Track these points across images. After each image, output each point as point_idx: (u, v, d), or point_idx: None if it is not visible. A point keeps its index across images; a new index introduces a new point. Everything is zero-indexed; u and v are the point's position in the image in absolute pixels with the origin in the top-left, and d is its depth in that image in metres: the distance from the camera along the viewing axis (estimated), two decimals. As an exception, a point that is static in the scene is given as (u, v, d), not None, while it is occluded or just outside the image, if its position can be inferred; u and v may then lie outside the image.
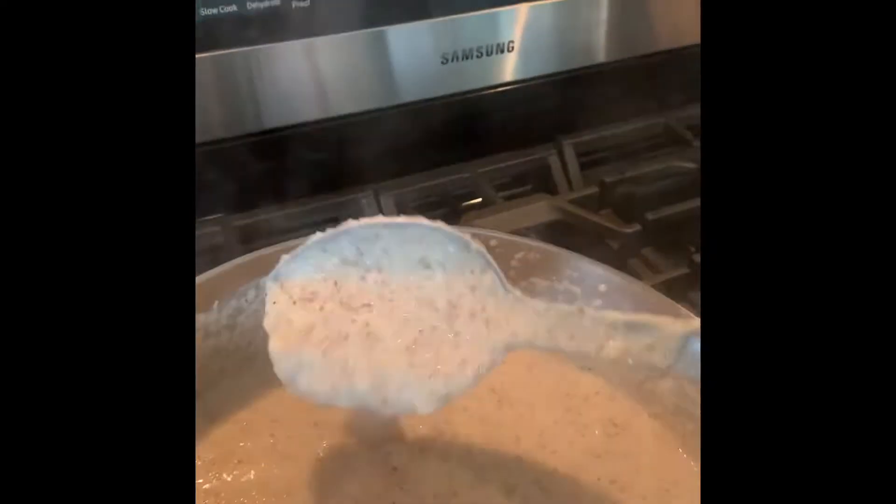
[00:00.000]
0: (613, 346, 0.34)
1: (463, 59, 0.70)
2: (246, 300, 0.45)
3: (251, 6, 0.57)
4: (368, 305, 0.36)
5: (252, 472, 0.42)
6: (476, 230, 0.50)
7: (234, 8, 0.56)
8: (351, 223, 0.35)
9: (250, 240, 0.62)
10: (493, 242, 0.49)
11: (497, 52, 0.71)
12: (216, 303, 0.45)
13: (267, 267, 0.41)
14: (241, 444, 0.43)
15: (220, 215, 0.64)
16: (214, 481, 0.41)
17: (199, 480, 0.41)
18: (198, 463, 0.41)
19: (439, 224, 0.35)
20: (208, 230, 0.61)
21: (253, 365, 0.46)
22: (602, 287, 0.47)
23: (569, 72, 0.76)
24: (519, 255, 0.49)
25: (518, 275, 0.49)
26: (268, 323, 0.36)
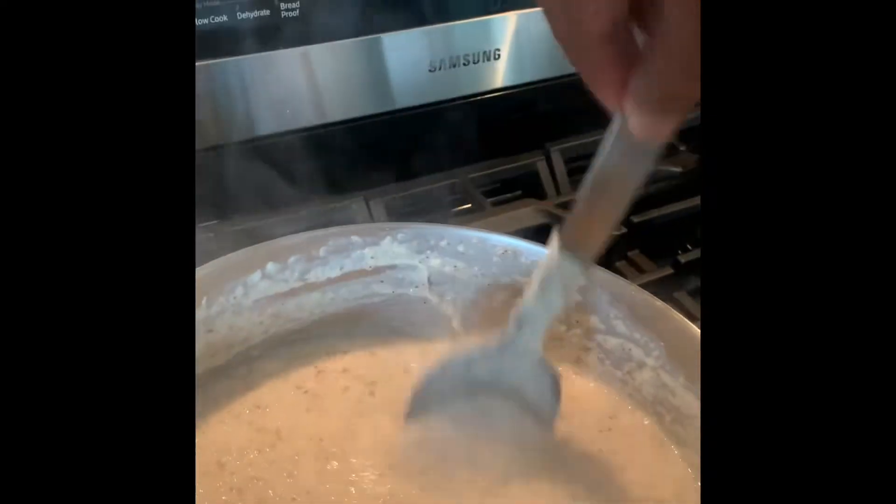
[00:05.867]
0: None
1: (455, 65, 0.71)
2: (234, 297, 0.47)
3: (241, 16, 0.58)
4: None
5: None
6: (471, 231, 0.52)
7: (224, 18, 0.57)
8: None
9: (243, 245, 0.63)
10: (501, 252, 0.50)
11: (488, 60, 0.73)
12: (204, 299, 0.46)
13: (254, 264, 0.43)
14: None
15: (214, 222, 0.65)
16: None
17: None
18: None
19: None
20: (203, 236, 0.62)
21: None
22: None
23: (557, 78, 0.77)
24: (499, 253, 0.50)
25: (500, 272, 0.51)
26: None
